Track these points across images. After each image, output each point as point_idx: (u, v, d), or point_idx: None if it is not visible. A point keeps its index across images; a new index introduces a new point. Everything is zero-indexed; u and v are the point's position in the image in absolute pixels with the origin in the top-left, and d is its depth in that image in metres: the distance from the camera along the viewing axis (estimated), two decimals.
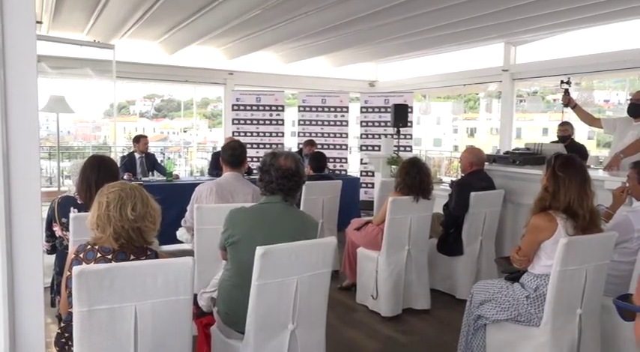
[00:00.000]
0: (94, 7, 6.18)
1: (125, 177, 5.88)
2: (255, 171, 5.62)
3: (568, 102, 4.87)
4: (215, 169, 6.31)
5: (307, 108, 8.92)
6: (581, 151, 5.80)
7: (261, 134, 8.78)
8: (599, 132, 6.23)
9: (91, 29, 7.15)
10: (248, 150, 4.06)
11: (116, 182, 2.01)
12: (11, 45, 1.54)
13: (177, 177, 6.35)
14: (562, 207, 2.49)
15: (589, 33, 7.40)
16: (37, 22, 6.33)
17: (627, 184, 3.09)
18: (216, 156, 6.81)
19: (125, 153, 7.46)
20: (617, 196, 3.15)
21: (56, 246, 2.80)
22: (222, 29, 6.91)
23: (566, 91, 4.85)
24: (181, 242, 3.62)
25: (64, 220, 2.69)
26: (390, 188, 4.24)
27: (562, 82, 4.89)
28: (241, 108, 8.77)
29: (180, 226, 3.54)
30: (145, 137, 6.98)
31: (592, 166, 5.20)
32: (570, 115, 6.00)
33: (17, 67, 1.55)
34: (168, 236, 3.47)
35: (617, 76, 10.79)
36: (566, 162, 2.55)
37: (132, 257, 1.90)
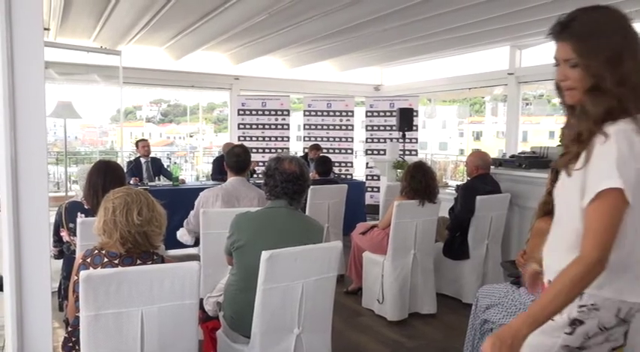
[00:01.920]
0: (101, 14, 6.24)
1: (131, 181, 5.91)
2: (259, 174, 5.62)
3: None
4: (219, 174, 6.33)
5: (313, 113, 8.93)
6: None
7: (266, 138, 8.80)
8: None
9: (97, 35, 7.22)
10: (254, 154, 4.07)
11: (122, 187, 2.02)
12: (19, 52, 1.57)
13: (183, 181, 6.38)
14: None
15: None
16: (45, 29, 6.39)
17: None
18: (218, 161, 6.84)
19: (132, 158, 7.50)
20: None
21: (64, 251, 2.82)
22: (228, 34, 6.95)
23: None
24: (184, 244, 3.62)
25: (71, 225, 2.70)
26: (396, 192, 4.24)
27: None
28: (247, 112, 8.81)
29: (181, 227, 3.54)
30: (145, 141, 7.01)
31: None
32: None
33: (25, 74, 1.58)
34: (174, 240, 3.49)
35: None
36: None
37: (138, 261, 1.92)
